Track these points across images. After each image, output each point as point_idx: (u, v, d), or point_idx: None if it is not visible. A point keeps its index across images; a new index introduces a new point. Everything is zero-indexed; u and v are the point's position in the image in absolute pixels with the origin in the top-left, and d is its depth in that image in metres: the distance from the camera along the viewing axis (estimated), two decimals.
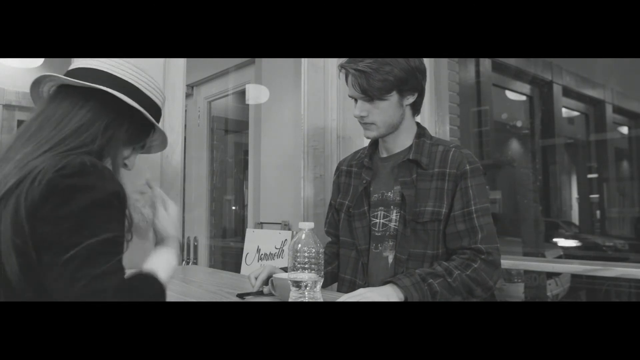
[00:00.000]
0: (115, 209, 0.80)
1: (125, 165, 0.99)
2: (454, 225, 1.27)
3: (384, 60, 1.25)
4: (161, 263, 0.91)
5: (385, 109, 1.29)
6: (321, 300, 1.03)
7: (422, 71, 1.32)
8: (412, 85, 1.30)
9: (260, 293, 1.32)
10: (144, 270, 0.86)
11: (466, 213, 1.26)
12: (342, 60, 1.34)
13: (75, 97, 0.89)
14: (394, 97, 1.29)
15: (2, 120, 3.28)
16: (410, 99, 1.33)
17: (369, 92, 1.26)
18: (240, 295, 1.28)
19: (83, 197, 0.76)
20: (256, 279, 1.33)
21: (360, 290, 1.14)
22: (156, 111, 0.97)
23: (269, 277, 1.32)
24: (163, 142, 1.07)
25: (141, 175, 1.78)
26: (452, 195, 1.28)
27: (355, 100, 1.33)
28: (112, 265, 0.75)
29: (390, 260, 1.32)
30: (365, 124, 1.33)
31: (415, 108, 1.37)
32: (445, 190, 1.28)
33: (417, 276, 1.17)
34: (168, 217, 1.01)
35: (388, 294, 1.13)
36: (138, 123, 0.95)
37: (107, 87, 0.88)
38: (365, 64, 1.24)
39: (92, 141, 0.87)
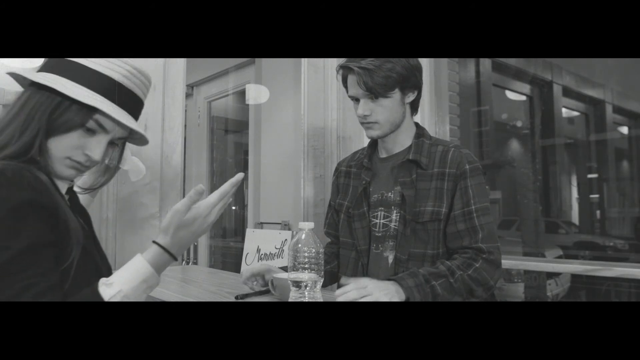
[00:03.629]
0: (26, 219, 0.74)
1: (86, 157, 0.87)
2: (454, 225, 1.27)
3: (385, 59, 1.26)
4: (121, 273, 0.80)
5: (389, 107, 1.30)
6: (321, 300, 1.03)
7: (420, 70, 1.34)
8: (413, 82, 1.31)
9: (259, 293, 1.32)
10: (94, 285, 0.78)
11: (466, 212, 1.26)
12: (342, 60, 1.34)
13: (20, 94, 0.85)
14: (396, 94, 1.30)
15: None
16: (411, 97, 1.34)
17: (374, 90, 1.26)
18: (239, 297, 1.28)
19: None
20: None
21: (365, 282, 1.12)
22: (111, 88, 0.86)
23: (261, 272, 1.33)
24: (142, 138, 0.95)
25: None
26: (452, 195, 1.28)
27: (356, 100, 1.33)
28: (24, 284, 0.70)
29: (391, 260, 1.32)
30: (368, 123, 1.33)
31: (414, 107, 1.39)
32: (445, 190, 1.28)
33: (421, 277, 1.16)
34: (173, 209, 0.85)
35: (391, 293, 1.12)
36: (76, 103, 0.83)
37: (52, 73, 0.82)
38: (368, 61, 1.26)
39: (9, 142, 0.80)
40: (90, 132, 0.86)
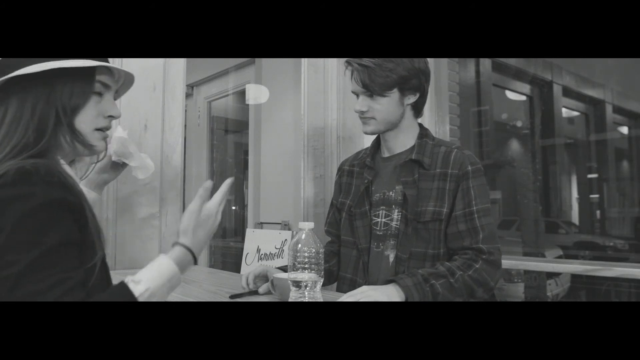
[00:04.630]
0: (58, 217, 0.74)
1: (109, 119, 0.90)
2: (456, 225, 1.27)
3: (388, 58, 1.27)
4: (147, 272, 0.80)
5: (385, 106, 1.31)
6: (321, 300, 1.03)
7: (426, 73, 1.35)
8: (414, 85, 1.31)
9: (254, 293, 1.32)
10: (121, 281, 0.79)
11: (467, 213, 1.26)
12: (344, 60, 1.35)
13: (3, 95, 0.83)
14: (394, 94, 1.30)
15: None
16: (412, 99, 1.34)
17: (370, 87, 1.28)
18: (233, 296, 1.28)
19: (16, 209, 0.71)
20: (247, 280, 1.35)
21: (363, 288, 1.14)
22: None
23: (262, 274, 1.34)
24: (127, 78, 0.97)
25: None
26: (454, 196, 1.28)
27: (357, 96, 1.34)
28: (54, 280, 0.70)
29: (392, 259, 1.32)
30: (364, 118, 1.34)
31: (417, 109, 1.39)
32: (447, 190, 1.29)
33: (419, 276, 1.17)
34: (189, 210, 0.88)
35: (390, 293, 1.13)
36: (77, 76, 0.85)
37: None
38: (369, 59, 1.27)
39: (23, 137, 0.80)
40: (98, 95, 0.89)
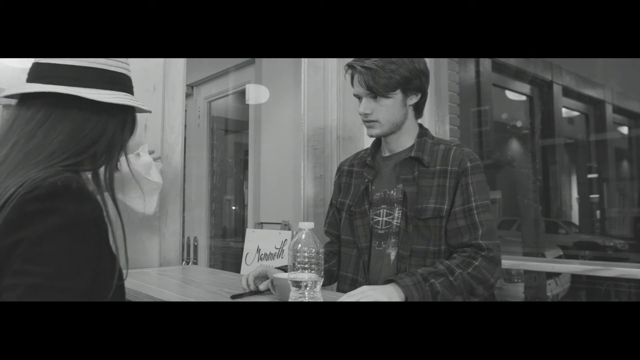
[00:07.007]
0: (85, 236, 0.74)
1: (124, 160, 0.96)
2: (455, 222, 1.27)
3: (390, 59, 1.28)
4: None
5: (389, 107, 1.31)
6: (321, 300, 1.03)
7: (426, 74, 1.36)
8: (416, 85, 1.32)
9: (254, 293, 1.32)
10: None
11: (467, 209, 1.27)
12: (344, 60, 1.35)
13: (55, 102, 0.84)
14: (398, 95, 1.31)
15: (2, 120, 3.28)
16: (414, 99, 1.35)
17: (374, 89, 1.28)
18: (234, 297, 1.28)
19: (45, 222, 0.71)
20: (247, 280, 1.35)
21: (363, 288, 1.14)
22: (127, 80, 0.92)
23: (261, 275, 1.35)
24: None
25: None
26: (454, 193, 1.29)
27: (360, 99, 1.34)
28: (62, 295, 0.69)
29: (393, 257, 1.32)
30: (368, 121, 1.35)
31: (418, 110, 1.39)
32: (447, 187, 1.29)
33: (418, 276, 1.17)
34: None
35: (389, 293, 1.13)
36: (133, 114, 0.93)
37: (93, 81, 0.85)
38: (371, 61, 1.28)
39: (80, 153, 0.82)
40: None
